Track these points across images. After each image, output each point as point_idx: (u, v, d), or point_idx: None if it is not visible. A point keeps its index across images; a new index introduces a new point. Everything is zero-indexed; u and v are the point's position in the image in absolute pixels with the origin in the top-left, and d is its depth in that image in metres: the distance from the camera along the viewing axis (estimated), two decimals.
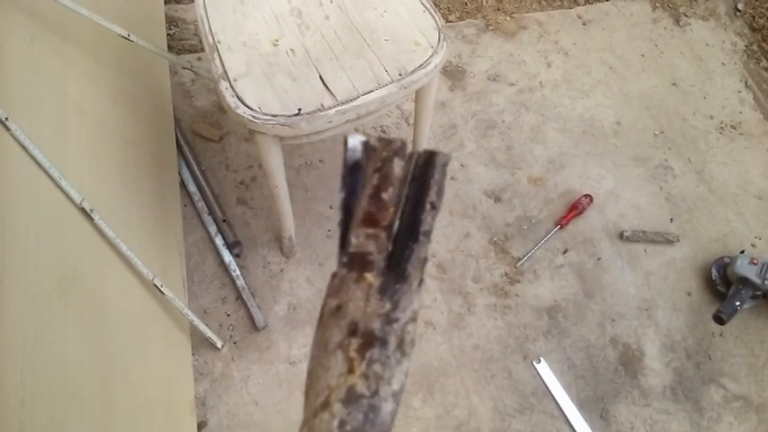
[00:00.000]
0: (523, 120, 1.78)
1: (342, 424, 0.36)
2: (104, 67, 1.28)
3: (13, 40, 1.00)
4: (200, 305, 1.41)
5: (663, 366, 1.47)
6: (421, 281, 0.40)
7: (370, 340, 0.38)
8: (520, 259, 1.56)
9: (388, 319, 0.38)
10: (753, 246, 1.65)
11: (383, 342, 0.38)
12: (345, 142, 0.41)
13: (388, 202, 0.39)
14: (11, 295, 0.82)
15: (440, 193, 0.40)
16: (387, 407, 0.37)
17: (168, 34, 1.74)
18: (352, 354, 0.37)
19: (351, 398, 0.36)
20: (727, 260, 1.56)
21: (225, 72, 1.08)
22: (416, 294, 0.40)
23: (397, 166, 0.39)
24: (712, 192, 1.73)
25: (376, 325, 0.38)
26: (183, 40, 1.77)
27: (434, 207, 0.39)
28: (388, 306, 0.38)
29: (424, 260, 0.40)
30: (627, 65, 1.93)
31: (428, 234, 0.40)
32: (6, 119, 0.91)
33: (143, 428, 1.07)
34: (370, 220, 0.39)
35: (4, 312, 0.80)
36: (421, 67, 1.11)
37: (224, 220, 1.49)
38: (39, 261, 0.90)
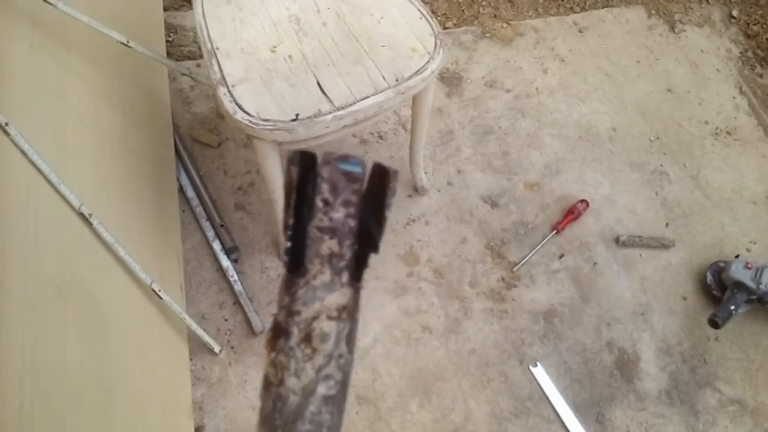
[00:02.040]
0: (520, 126, 1.79)
1: (261, 409, 0.39)
2: (103, 73, 1.28)
3: (13, 47, 1.01)
4: (198, 310, 1.42)
5: (658, 370, 1.48)
6: (352, 280, 0.42)
7: (276, 332, 0.41)
8: (516, 264, 1.56)
9: (290, 312, 0.41)
10: (747, 250, 1.66)
11: (287, 334, 0.40)
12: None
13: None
14: (10, 299, 0.83)
15: (334, 190, 0.42)
16: (294, 400, 0.39)
17: (167, 41, 1.75)
18: (264, 343, 0.41)
19: (264, 385, 0.40)
20: (722, 265, 1.57)
21: (223, 78, 1.09)
22: (330, 291, 0.41)
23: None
24: (707, 197, 1.74)
25: (281, 317, 0.41)
26: (182, 46, 1.78)
27: (328, 203, 0.42)
28: (287, 299, 0.41)
29: (333, 256, 0.41)
30: (622, 71, 1.95)
31: (327, 230, 0.41)
32: (6, 124, 0.92)
33: None
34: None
35: (4, 316, 0.81)
36: (417, 73, 1.12)
37: (222, 226, 1.49)
38: (38, 265, 0.91)
